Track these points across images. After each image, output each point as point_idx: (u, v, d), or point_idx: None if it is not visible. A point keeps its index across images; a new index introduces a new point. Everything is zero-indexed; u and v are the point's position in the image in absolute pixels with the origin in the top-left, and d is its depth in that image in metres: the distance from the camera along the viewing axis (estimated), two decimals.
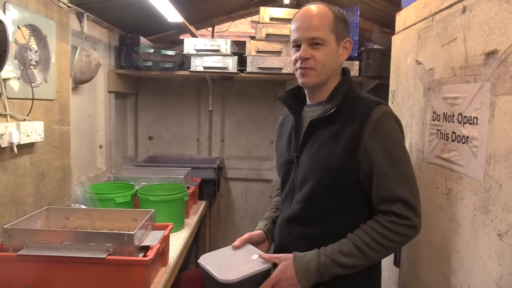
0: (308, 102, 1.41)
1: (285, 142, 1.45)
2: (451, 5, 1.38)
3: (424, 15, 1.60)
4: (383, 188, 1.19)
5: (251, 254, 1.32)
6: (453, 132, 1.32)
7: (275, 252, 1.45)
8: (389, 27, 3.09)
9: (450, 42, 1.36)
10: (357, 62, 2.96)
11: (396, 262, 1.76)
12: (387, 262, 1.90)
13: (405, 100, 1.75)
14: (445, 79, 1.39)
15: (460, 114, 1.28)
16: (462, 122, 1.27)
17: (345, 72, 1.38)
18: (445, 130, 1.38)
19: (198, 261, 1.31)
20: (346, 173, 1.23)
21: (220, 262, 1.29)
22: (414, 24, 1.69)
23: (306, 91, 1.40)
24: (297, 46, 1.29)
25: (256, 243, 1.44)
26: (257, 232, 1.46)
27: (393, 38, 1.98)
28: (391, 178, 1.18)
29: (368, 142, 1.19)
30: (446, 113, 1.37)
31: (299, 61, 1.28)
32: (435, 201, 1.43)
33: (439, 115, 1.42)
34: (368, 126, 1.20)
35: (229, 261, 1.30)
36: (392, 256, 1.79)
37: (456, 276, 1.29)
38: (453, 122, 1.32)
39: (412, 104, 1.67)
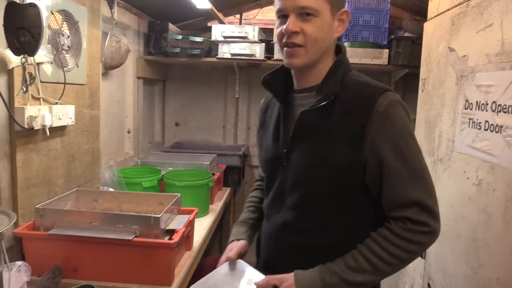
0: (296, 86, 1.18)
1: (270, 135, 1.22)
2: None
3: (458, 1, 1.54)
4: (395, 192, 1.01)
5: (244, 277, 1.14)
6: (486, 121, 1.27)
7: (262, 267, 1.25)
8: (420, 14, 2.99)
9: (485, 28, 1.31)
10: (387, 50, 2.89)
11: (422, 254, 1.73)
12: None
13: (436, 88, 1.70)
14: (479, 66, 1.34)
15: (494, 102, 1.23)
16: (496, 111, 1.22)
17: (340, 50, 1.16)
18: (477, 119, 1.33)
19: None
20: (349, 174, 1.05)
21: None
22: (448, 10, 1.64)
23: (293, 74, 1.18)
24: (283, 16, 1.06)
25: (242, 254, 1.26)
26: (242, 243, 1.26)
27: (425, 24, 1.92)
28: (404, 179, 1.00)
29: (375, 137, 1.01)
30: (479, 101, 1.32)
31: (285, 36, 1.05)
32: (465, 192, 1.39)
33: (471, 103, 1.38)
34: (375, 119, 1.01)
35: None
36: None
37: (485, 269, 1.25)
38: (487, 110, 1.27)
39: (443, 93, 1.62)
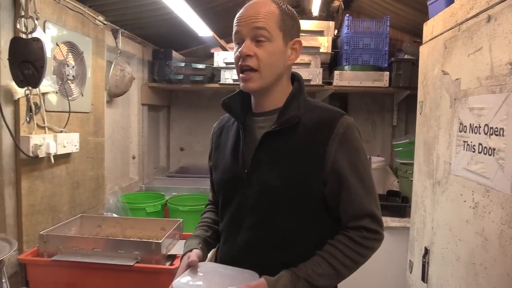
0: (254, 110, 1.23)
1: (228, 157, 1.23)
2: (477, 14, 1.36)
3: (450, 25, 1.57)
4: (353, 205, 1.11)
5: (230, 272, 1.13)
6: (480, 144, 1.28)
7: None
8: (420, 36, 3.03)
9: (475, 52, 1.33)
10: (387, 73, 2.92)
11: (424, 278, 1.71)
12: (416, 278, 1.85)
13: (433, 111, 1.72)
14: (471, 90, 1.36)
15: (486, 125, 1.24)
16: (488, 134, 1.23)
17: (296, 78, 1.23)
18: (471, 142, 1.34)
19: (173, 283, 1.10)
20: (311, 191, 1.12)
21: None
22: (441, 34, 1.67)
23: (253, 98, 1.23)
24: (239, 42, 1.13)
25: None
26: (196, 251, 1.20)
27: (421, 48, 1.95)
28: (360, 193, 1.11)
29: (337, 157, 1.09)
30: (473, 124, 1.33)
31: (239, 60, 1.12)
32: (462, 215, 1.39)
33: (465, 126, 1.39)
34: (335, 140, 1.09)
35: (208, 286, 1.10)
36: (420, 271, 1.75)
37: None
38: (480, 133, 1.28)
39: (439, 115, 1.63)
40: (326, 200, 1.13)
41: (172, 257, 1.75)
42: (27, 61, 1.43)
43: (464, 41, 1.43)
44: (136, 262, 1.63)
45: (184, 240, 1.92)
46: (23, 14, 1.55)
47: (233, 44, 1.18)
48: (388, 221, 2.58)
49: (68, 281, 1.66)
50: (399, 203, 2.77)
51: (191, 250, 1.20)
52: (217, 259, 1.33)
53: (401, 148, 3.04)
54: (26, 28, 1.55)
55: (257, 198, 1.15)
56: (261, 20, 1.09)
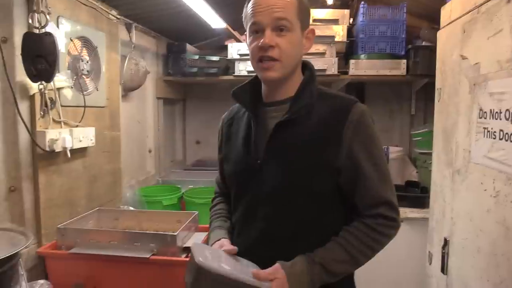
0: (265, 100, 1.21)
1: (239, 147, 1.22)
2: None
3: (469, 7, 1.52)
4: (369, 192, 1.09)
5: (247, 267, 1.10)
6: (501, 130, 1.23)
7: None
8: (438, 22, 2.94)
9: (495, 34, 1.28)
10: (405, 61, 2.85)
11: (444, 269, 1.67)
12: (435, 269, 1.81)
13: (452, 97, 1.66)
14: (491, 74, 1.30)
15: (507, 110, 1.19)
16: (510, 119, 1.18)
17: (307, 66, 1.21)
18: (492, 128, 1.29)
19: (192, 245, 1.13)
20: (326, 180, 1.10)
21: (216, 258, 1.07)
22: (459, 17, 1.61)
23: (265, 88, 1.21)
24: (257, 32, 1.10)
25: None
26: (227, 240, 1.21)
27: (438, 33, 1.89)
28: (376, 181, 1.09)
29: (352, 144, 1.08)
30: (493, 109, 1.28)
31: (262, 50, 1.08)
32: (483, 205, 1.34)
33: (485, 112, 1.34)
34: (349, 128, 1.08)
35: (226, 261, 1.08)
36: (439, 262, 1.71)
37: (507, 285, 1.20)
38: (501, 119, 1.23)
39: (458, 102, 1.58)
40: (341, 189, 1.12)
41: (187, 249, 1.75)
42: (40, 56, 1.44)
43: (483, 24, 1.38)
44: (152, 255, 1.63)
45: (199, 233, 1.93)
46: (35, 9, 1.56)
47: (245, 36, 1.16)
48: (407, 212, 2.54)
49: (85, 274, 1.68)
50: (418, 194, 2.72)
51: (219, 240, 1.20)
52: None
53: (420, 138, 2.97)
54: (39, 23, 1.57)
55: (272, 189, 1.13)
56: (282, 9, 1.07)
